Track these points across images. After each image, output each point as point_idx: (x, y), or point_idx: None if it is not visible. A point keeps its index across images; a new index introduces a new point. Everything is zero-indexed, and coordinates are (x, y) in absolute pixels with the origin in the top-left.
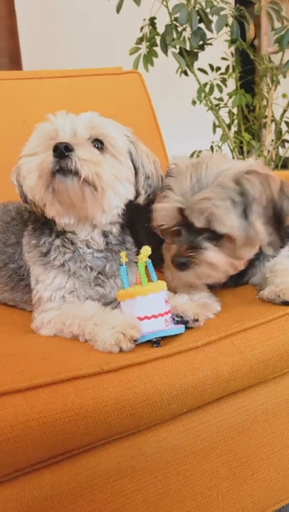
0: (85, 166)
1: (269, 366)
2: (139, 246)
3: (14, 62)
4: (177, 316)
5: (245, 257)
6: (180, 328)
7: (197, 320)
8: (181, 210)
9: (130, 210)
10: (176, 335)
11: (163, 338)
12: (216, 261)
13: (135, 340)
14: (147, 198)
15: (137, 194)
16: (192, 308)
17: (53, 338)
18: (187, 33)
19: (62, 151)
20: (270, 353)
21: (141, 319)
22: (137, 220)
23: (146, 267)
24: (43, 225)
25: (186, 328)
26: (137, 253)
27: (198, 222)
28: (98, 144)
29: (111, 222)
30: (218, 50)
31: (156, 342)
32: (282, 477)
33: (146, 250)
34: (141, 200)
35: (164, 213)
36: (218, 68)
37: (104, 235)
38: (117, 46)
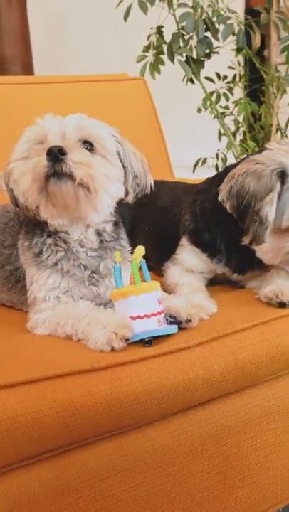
0: (78, 169)
1: (262, 368)
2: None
3: (26, 69)
4: (170, 317)
5: None
6: (173, 329)
7: (190, 320)
8: None
9: (131, 215)
10: (168, 335)
11: (155, 337)
12: None
13: (127, 340)
14: (136, 197)
15: (126, 193)
16: (185, 309)
17: (47, 337)
18: (194, 42)
19: (56, 155)
20: (263, 355)
21: (133, 319)
22: (137, 223)
23: (140, 266)
24: (34, 226)
25: (179, 328)
26: (132, 252)
27: None
28: (88, 145)
29: (104, 221)
30: (226, 59)
31: (148, 341)
32: (274, 482)
33: (140, 250)
34: (130, 198)
35: None
36: (225, 77)
37: (98, 233)
38: (125, 53)
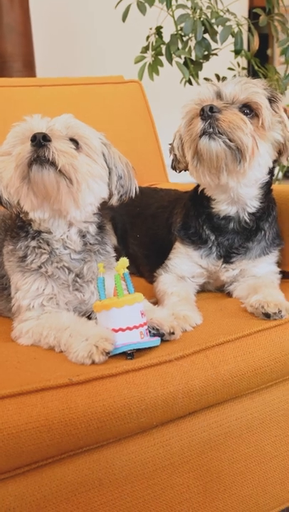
0: (62, 157)
1: (243, 381)
2: (129, 257)
3: (28, 67)
4: (153, 329)
5: None
6: (155, 341)
7: (173, 333)
8: None
9: (123, 223)
10: (151, 347)
11: (137, 350)
12: None
13: (108, 353)
14: (120, 199)
15: (110, 195)
16: (168, 322)
17: (30, 348)
18: (193, 43)
19: (39, 141)
20: (244, 369)
21: (116, 331)
22: (128, 231)
23: (123, 277)
24: (19, 229)
25: (162, 340)
26: (116, 258)
27: None
28: (74, 144)
29: (86, 221)
30: (226, 60)
31: (130, 354)
32: (255, 493)
33: (124, 262)
34: (114, 200)
35: None
36: (225, 78)
37: (82, 234)
38: (123, 54)
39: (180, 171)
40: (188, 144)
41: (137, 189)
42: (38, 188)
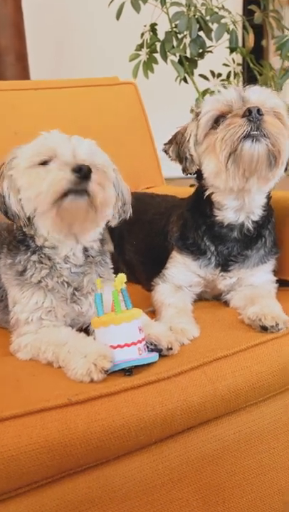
0: (100, 191)
1: (241, 396)
2: (125, 264)
3: (20, 60)
4: (151, 344)
5: None
6: (154, 357)
7: (171, 348)
8: None
9: (119, 230)
10: (149, 363)
11: (136, 366)
12: None
13: (106, 371)
14: (119, 222)
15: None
16: (166, 337)
17: (28, 363)
18: (187, 41)
19: (86, 173)
20: (242, 384)
21: (114, 348)
22: (125, 237)
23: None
24: (18, 242)
25: (160, 356)
26: (114, 272)
27: None
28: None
29: (94, 240)
30: (220, 57)
31: (128, 370)
32: (254, 504)
33: (122, 277)
34: (114, 223)
35: None
36: (220, 74)
37: (85, 249)
38: (119, 52)
39: (189, 174)
40: (221, 145)
41: (131, 214)
42: (68, 216)
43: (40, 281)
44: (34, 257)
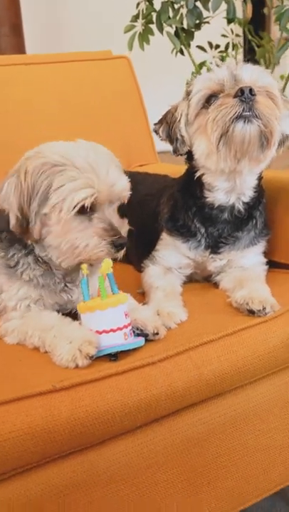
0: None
1: (226, 381)
2: None
3: (15, 30)
4: (137, 329)
5: None
6: (139, 342)
7: (157, 333)
8: None
9: None
10: (135, 348)
11: (121, 351)
12: None
13: (91, 357)
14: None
15: None
16: (152, 322)
17: (15, 347)
18: (184, 11)
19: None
20: (227, 368)
21: (99, 333)
22: None
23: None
24: (14, 236)
25: (146, 340)
26: None
27: None
28: None
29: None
30: (218, 28)
31: (114, 356)
32: (239, 485)
33: (108, 263)
34: None
35: None
36: (218, 46)
37: None
38: (115, 23)
39: (180, 155)
40: (212, 126)
41: None
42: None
43: (32, 280)
44: (30, 259)
